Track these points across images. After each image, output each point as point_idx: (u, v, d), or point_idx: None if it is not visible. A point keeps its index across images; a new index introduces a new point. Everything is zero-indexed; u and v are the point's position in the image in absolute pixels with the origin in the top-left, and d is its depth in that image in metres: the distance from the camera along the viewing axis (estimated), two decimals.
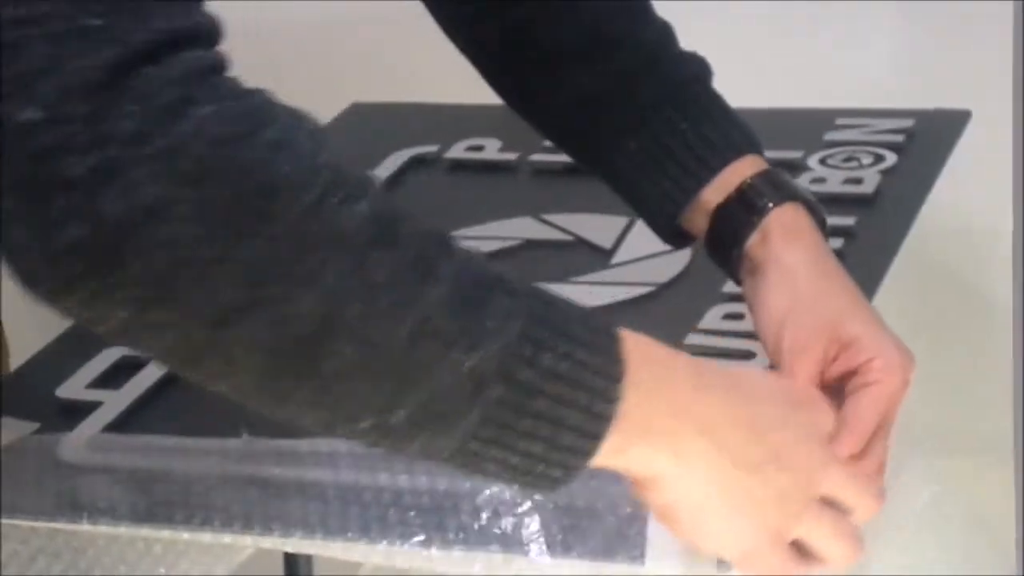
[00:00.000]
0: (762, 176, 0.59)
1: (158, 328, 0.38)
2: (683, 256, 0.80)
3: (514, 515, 0.58)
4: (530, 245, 0.86)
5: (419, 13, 1.11)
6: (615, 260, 0.83)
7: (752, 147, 0.61)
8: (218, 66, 0.39)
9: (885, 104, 1.03)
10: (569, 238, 0.87)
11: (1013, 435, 1.08)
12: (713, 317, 0.73)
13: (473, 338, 0.40)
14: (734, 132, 0.61)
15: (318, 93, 1.27)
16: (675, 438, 0.45)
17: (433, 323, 0.40)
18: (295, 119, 0.40)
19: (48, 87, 0.35)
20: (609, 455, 0.43)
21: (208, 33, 0.39)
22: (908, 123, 0.96)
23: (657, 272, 0.80)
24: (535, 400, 0.41)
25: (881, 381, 0.53)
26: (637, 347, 0.44)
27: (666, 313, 0.77)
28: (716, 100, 0.62)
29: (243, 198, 0.37)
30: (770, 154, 0.95)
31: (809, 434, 0.50)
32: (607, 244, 0.85)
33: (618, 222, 0.86)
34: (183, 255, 0.36)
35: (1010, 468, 1.08)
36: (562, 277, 0.81)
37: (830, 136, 0.95)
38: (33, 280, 0.37)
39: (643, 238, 0.83)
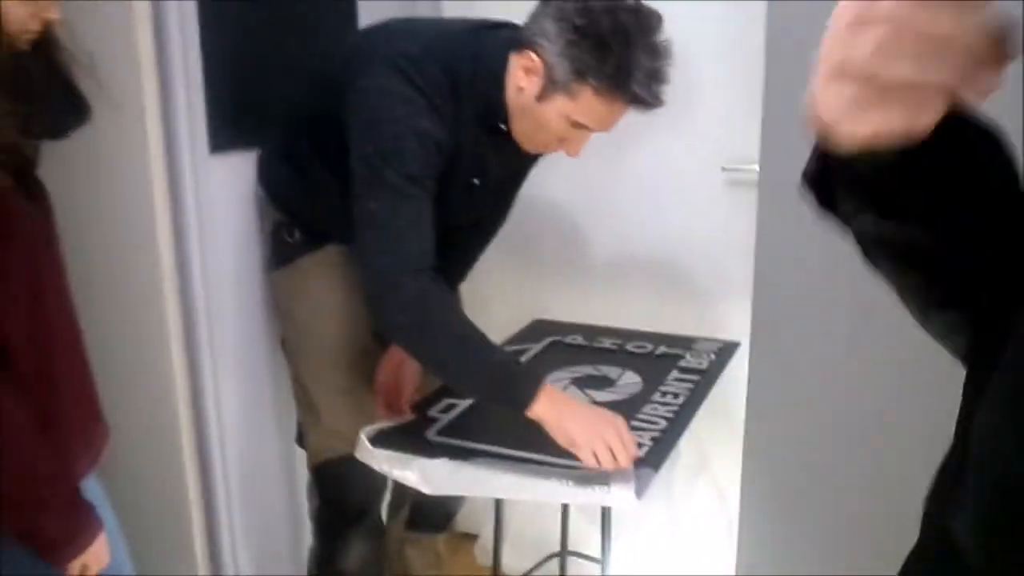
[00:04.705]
0: None
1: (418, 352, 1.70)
2: None
3: None
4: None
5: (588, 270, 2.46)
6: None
7: None
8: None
9: None
10: None
11: None
12: None
13: (509, 374, 1.67)
14: None
15: (515, 312, 2.43)
16: (550, 407, 1.61)
17: (495, 369, 1.65)
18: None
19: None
20: (534, 408, 1.61)
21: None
22: None
23: None
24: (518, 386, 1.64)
25: None
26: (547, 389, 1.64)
27: None
28: None
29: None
30: None
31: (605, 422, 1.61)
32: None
33: None
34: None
35: None
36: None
37: None
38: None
39: None
